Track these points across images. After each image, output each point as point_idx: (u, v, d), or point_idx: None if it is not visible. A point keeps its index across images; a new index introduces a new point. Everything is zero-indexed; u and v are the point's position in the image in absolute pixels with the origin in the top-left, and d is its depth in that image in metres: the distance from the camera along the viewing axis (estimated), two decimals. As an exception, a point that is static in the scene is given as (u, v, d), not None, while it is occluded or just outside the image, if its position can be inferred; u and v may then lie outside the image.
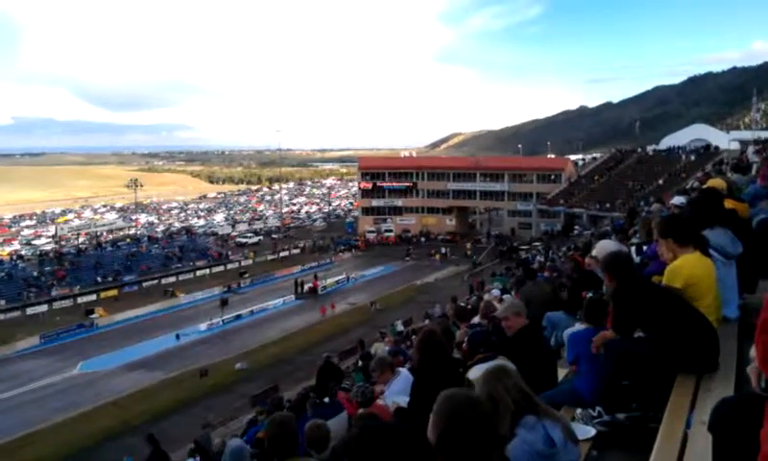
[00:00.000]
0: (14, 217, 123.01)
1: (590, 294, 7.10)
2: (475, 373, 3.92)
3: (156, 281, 57.73)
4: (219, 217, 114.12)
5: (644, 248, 7.00)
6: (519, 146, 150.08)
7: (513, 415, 2.75)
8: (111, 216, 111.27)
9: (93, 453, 24.50)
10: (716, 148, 64.48)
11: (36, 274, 54.69)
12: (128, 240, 71.33)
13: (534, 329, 5.31)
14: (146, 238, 74.79)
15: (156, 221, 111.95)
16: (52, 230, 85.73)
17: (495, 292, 13.81)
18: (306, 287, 53.03)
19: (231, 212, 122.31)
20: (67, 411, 28.83)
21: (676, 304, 3.67)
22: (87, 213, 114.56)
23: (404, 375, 5.78)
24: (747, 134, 63.57)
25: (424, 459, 2.10)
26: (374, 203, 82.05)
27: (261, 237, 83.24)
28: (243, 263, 66.21)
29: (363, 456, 2.02)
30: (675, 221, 4.45)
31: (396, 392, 5.53)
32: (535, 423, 2.75)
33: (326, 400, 6.90)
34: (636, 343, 3.82)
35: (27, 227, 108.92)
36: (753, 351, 2.29)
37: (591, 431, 3.59)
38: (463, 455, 2.12)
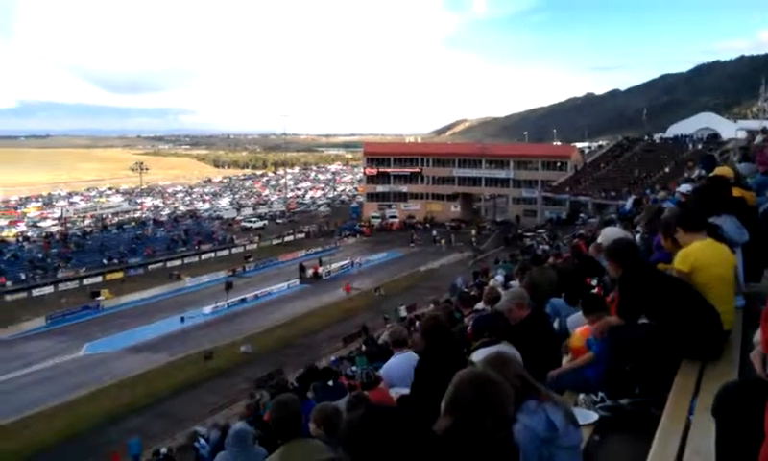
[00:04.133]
0: (20, 199, 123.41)
1: (594, 281, 7.14)
2: (478, 355, 3.93)
3: (161, 265, 58.03)
4: (224, 201, 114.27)
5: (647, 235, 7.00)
6: (525, 133, 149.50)
7: (513, 401, 2.77)
8: (117, 199, 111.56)
9: (98, 434, 24.73)
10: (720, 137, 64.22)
11: (41, 255, 54.99)
12: (133, 223, 71.54)
13: (539, 316, 5.30)
14: (151, 221, 75.03)
15: (161, 204, 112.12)
16: (57, 211, 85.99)
17: (499, 278, 13.83)
18: (309, 272, 53.23)
19: (236, 197, 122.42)
20: (72, 392, 29.01)
21: (681, 291, 3.67)
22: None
23: (407, 355, 5.63)
24: (755, 124, 63.04)
25: (426, 444, 2.11)
26: (379, 188, 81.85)
27: (266, 222, 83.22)
28: (248, 247, 66.31)
29: (365, 441, 2.04)
30: (682, 210, 4.46)
31: (398, 376, 5.48)
32: (536, 407, 2.76)
33: (330, 383, 6.94)
34: (640, 329, 3.82)
35: (33, 208, 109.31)
36: (756, 337, 2.29)
37: (594, 416, 3.59)
38: (479, 431, 2.15)
